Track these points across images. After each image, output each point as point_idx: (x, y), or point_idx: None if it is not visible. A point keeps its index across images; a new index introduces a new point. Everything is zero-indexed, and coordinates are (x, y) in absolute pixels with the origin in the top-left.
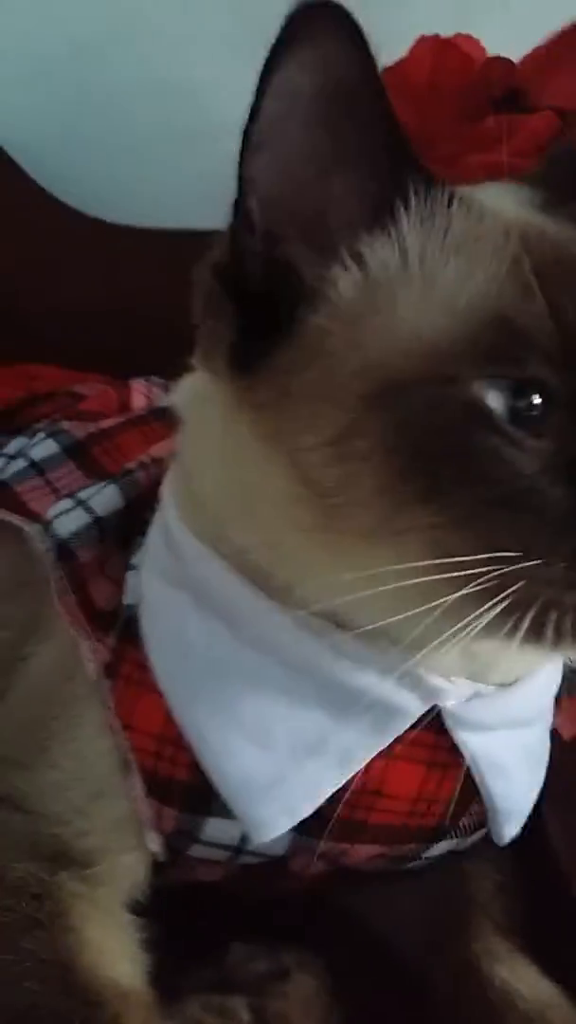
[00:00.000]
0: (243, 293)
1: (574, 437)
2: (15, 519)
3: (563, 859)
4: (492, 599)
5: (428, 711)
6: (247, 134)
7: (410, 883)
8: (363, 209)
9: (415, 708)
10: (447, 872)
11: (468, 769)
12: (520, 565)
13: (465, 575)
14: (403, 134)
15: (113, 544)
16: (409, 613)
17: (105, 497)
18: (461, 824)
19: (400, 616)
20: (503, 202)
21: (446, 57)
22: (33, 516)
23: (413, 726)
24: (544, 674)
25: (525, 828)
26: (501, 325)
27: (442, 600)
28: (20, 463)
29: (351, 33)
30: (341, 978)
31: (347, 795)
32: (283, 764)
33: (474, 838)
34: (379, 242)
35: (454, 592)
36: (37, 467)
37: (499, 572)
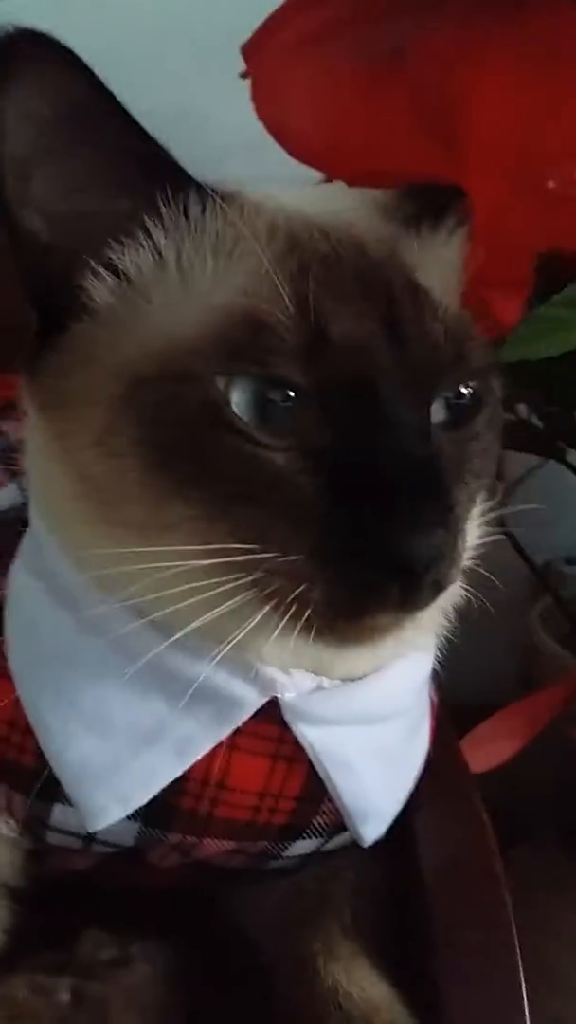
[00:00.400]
0: (33, 301)
1: (318, 434)
2: None
3: (423, 860)
4: (246, 593)
5: (270, 704)
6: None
7: (271, 881)
8: (115, 222)
9: (252, 699)
10: (309, 871)
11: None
12: (261, 557)
13: (223, 568)
14: (153, 146)
15: (9, 539)
16: (181, 605)
17: (6, 493)
18: (316, 823)
19: (179, 606)
20: (301, 202)
21: None
22: None
23: (258, 718)
24: (400, 670)
25: (393, 830)
26: (247, 323)
27: (205, 595)
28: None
29: (69, 59)
30: (195, 971)
31: (189, 786)
32: (120, 752)
33: (340, 839)
34: (133, 251)
35: (218, 586)
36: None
37: (245, 565)
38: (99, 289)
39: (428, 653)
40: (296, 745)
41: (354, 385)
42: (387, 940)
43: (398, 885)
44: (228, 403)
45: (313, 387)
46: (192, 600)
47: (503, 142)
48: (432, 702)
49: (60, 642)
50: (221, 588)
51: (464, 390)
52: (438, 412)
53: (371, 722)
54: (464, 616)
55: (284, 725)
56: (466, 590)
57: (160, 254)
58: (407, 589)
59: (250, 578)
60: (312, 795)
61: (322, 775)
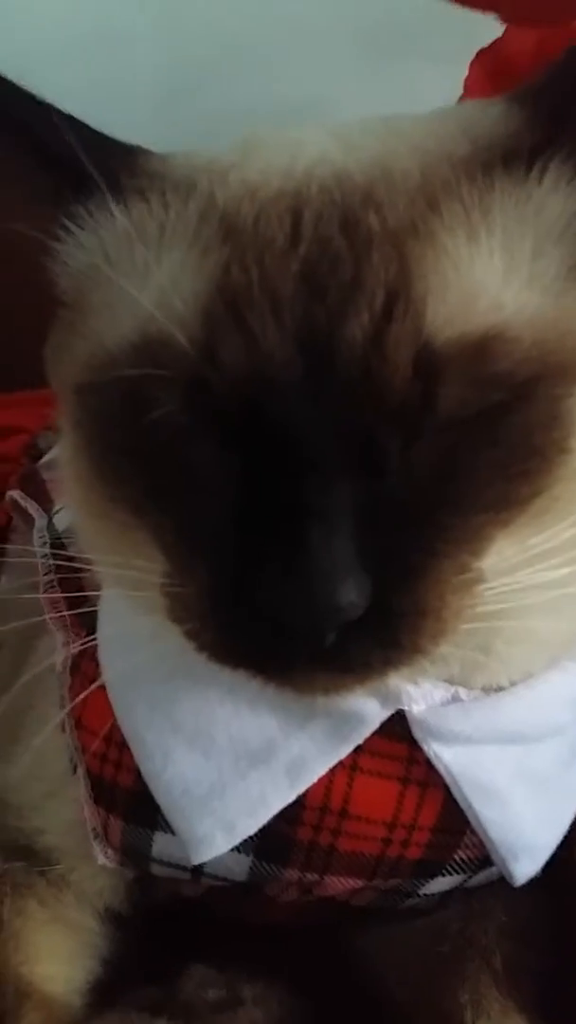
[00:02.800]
0: None
1: (226, 461)
2: (32, 508)
3: None
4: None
5: (398, 718)
6: None
7: (410, 920)
8: (44, 222)
9: (374, 713)
10: (452, 910)
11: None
12: (158, 581)
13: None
14: (48, 144)
15: None
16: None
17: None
18: (457, 858)
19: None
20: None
21: (551, 35)
22: (49, 506)
23: (383, 735)
24: (554, 680)
25: (550, 866)
26: (151, 341)
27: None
28: (56, 450)
29: None
30: (325, 1016)
31: (305, 814)
32: (224, 773)
33: (486, 874)
34: (67, 249)
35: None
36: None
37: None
38: (61, 284)
39: None
40: (429, 767)
41: (248, 414)
42: (545, 994)
43: (558, 929)
44: (146, 414)
45: (207, 412)
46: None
47: None
48: None
49: (158, 649)
50: (138, 602)
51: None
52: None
53: (519, 741)
54: None
55: (414, 744)
56: None
57: (89, 252)
58: (312, 656)
59: (155, 597)
60: (451, 826)
61: (461, 803)
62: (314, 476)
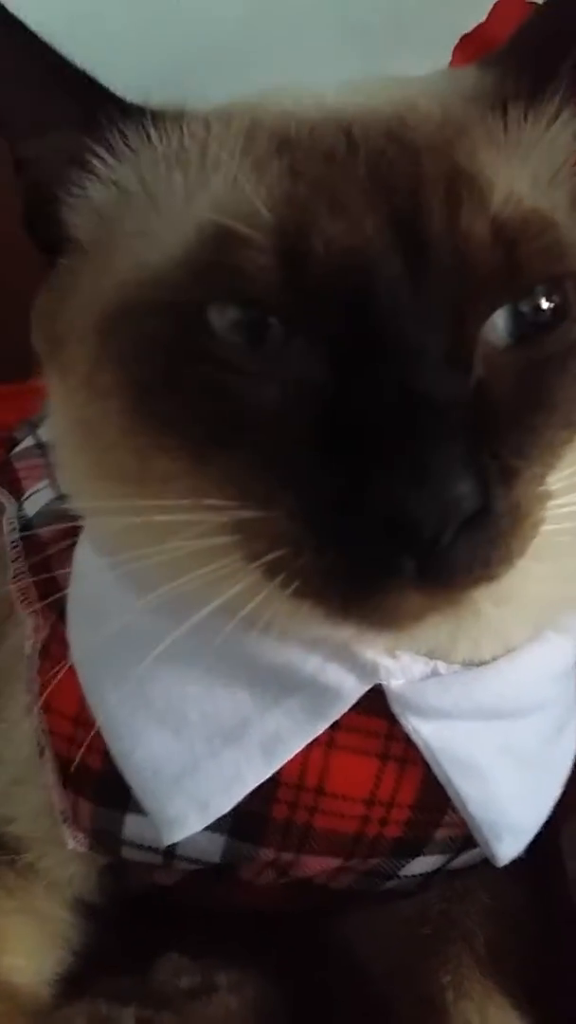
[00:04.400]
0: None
1: (312, 366)
2: (3, 496)
3: (572, 883)
4: (227, 558)
5: (376, 693)
6: None
7: (388, 901)
8: (69, 155)
9: (351, 688)
10: (433, 892)
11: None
12: (239, 514)
13: (203, 527)
14: (81, 78)
15: None
16: (165, 570)
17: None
18: (437, 837)
19: (164, 572)
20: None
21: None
22: (20, 494)
23: (361, 711)
24: (536, 653)
25: (534, 847)
26: (218, 240)
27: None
28: (29, 440)
29: None
30: (292, 1006)
31: (281, 791)
32: (197, 751)
33: (470, 855)
34: (95, 182)
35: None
36: (41, 446)
37: (223, 524)
38: (77, 222)
39: (570, 635)
40: (409, 743)
41: (348, 304)
42: (529, 975)
43: (542, 911)
44: (206, 332)
45: (298, 309)
46: (172, 565)
47: None
48: None
49: (127, 623)
50: (198, 549)
51: (544, 301)
52: (499, 329)
53: (501, 716)
54: None
55: (393, 719)
56: None
57: (118, 182)
58: (423, 561)
59: (230, 539)
60: (432, 804)
61: (441, 780)
62: (421, 366)
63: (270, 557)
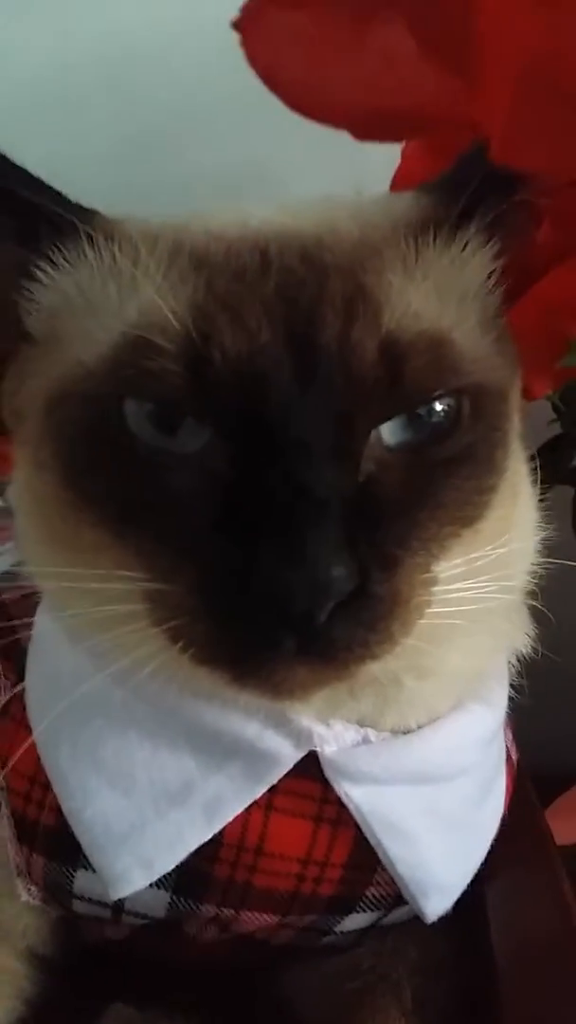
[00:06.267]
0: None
1: (216, 457)
2: None
3: (495, 940)
4: (137, 624)
5: (311, 759)
6: None
7: (327, 957)
8: (17, 267)
9: (288, 754)
10: (365, 947)
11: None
12: (144, 585)
13: (113, 595)
14: (17, 198)
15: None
16: (109, 635)
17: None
18: (369, 895)
19: (106, 636)
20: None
21: None
22: None
23: (297, 776)
24: (460, 722)
25: (461, 903)
26: (136, 346)
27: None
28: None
29: None
30: None
31: (223, 851)
32: (144, 812)
33: (401, 912)
34: (41, 287)
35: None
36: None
37: (130, 593)
38: (30, 320)
39: (491, 705)
40: (341, 806)
41: (243, 405)
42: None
43: (468, 965)
44: (123, 422)
45: (201, 408)
46: (95, 626)
47: (518, 43)
48: (510, 760)
49: (82, 688)
50: (116, 614)
51: (439, 407)
52: (390, 432)
53: (427, 781)
54: (538, 672)
55: (327, 784)
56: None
57: (62, 289)
58: (302, 637)
59: (141, 607)
60: (363, 863)
61: (372, 841)
62: (305, 460)
63: (172, 624)
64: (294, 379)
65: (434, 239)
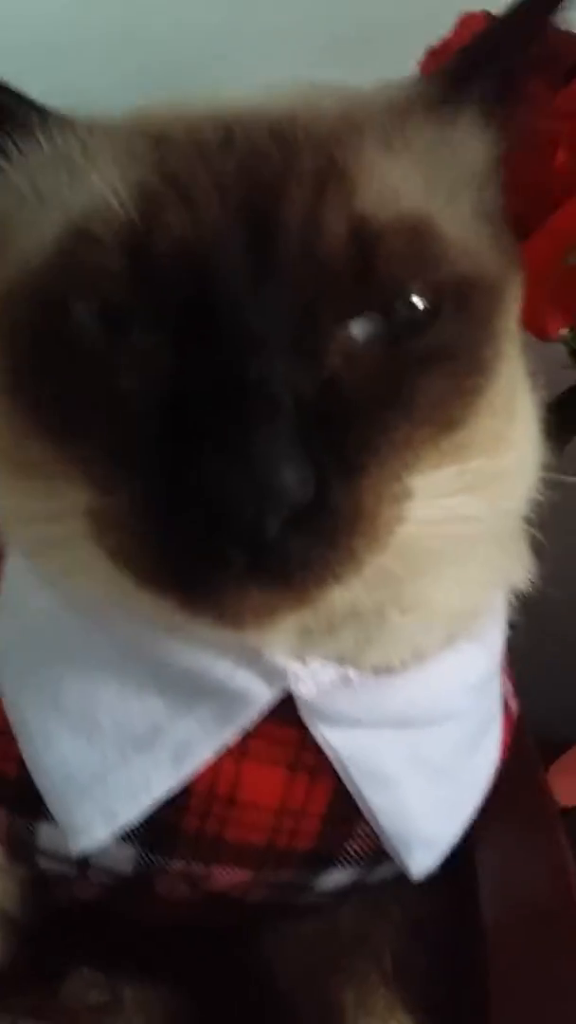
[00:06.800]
0: None
1: (161, 356)
2: None
3: (484, 902)
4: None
5: (288, 701)
6: None
7: (307, 918)
8: None
9: (261, 694)
10: (346, 908)
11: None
12: (83, 495)
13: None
14: None
15: None
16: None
17: None
18: (349, 849)
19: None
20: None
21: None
22: None
23: (273, 719)
24: (449, 662)
25: (452, 858)
26: (80, 237)
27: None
28: None
29: None
30: (212, 1014)
31: (192, 802)
32: (107, 758)
33: (385, 870)
34: None
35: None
36: None
37: (71, 505)
38: None
39: (485, 645)
40: (320, 753)
41: (188, 296)
42: (435, 991)
43: (454, 929)
44: (68, 321)
45: (143, 302)
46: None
47: None
48: (509, 711)
49: (46, 628)
50: (53, 535)
51: (417, 300)
52: (361, 325)
53: (412, 725)
54: (537, 611)
55: (305, 729)
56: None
57: (14, 183)
58: (252, 554)
59: (79, 525)
60: (342, 814)
61: (351, 790)
62: (256, 354)
63: (111, 543)
64: (247, 262)
65: (424, 116)
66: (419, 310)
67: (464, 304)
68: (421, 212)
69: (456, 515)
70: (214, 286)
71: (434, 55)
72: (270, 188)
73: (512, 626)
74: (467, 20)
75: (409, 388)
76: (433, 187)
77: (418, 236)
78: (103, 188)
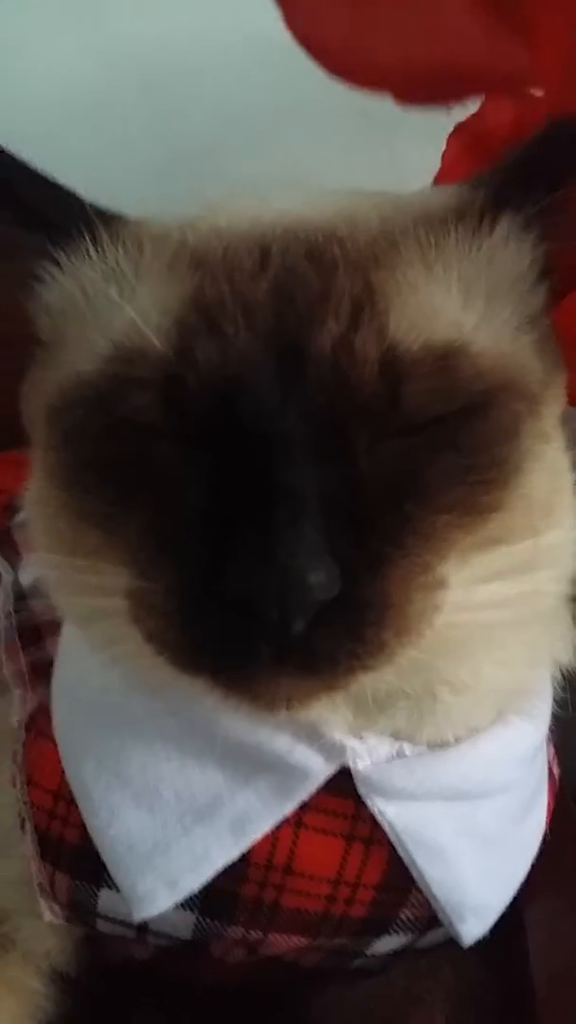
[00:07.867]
0: None
1: (199, 458)
2: (1, 566)
3: (534, 966)
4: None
5: (343, 775)
6: None
7: (359, 980)
8: (24, 265)
9: (318, 768)
10: (399, 970)
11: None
12: (124, 580)
13: (96, 588)
14: (27, 191)
15: None
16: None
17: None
18: (402, 917)
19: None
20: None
21: (529, 109)
22: (19, 563)
23: (329, 791)
24: (499, 736)
25: (502, 923)
26: (122, 365)
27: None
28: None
29: None
30: None
31: (250, 871)
32: (169, 829)
33: (436, 935)
34: (47, 288)
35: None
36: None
37: (109, 587)
38: (38, 324)
39: (534, 720)
40: (375, 824)
41: (218, 413)
42: None
43: (504, 991)
44: (118, 430)
45: (180, 421)
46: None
47: None
48: (552, 776)
49: (107, 700)
50: (95, 608)
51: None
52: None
53: (464, 798)
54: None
55: (360, 800)
56: None
57: (68, 293)
58: (279, 647)
59: (121, 602)
60: (396, 884)
61: (405, 860)
62: (283, 462)
63: (147, 626)
64: (276, 385)
65: (461, 228)
66: (439, 422)
67: (490, 412)
68: (453, 338)
69: (492, 601)
70: (244, 406)
71: (462, 129)
72: (303, 315)
73: (558, 703)
74: (494, 98)
75: (430, 481)
76: (471, 301)
77: (448, 367)
78: (144, 316)
